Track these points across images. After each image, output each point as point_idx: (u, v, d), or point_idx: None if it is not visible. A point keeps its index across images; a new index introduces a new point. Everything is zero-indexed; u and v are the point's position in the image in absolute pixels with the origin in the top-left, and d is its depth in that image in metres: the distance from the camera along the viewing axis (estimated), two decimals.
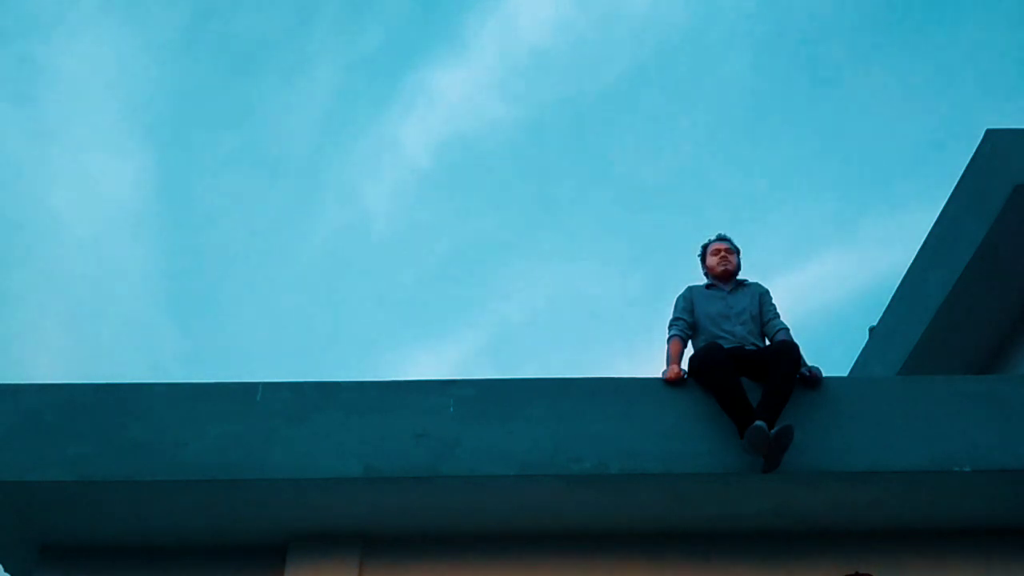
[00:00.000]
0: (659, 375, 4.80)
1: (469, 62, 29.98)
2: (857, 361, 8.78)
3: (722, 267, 5.21)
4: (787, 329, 5.01)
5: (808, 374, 4.67)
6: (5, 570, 5.13)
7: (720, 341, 4.86)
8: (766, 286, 5.25)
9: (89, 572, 4.82)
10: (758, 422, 4.23)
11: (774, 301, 5.19)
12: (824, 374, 4.76)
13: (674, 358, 4.86)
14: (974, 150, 6.40)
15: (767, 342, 5.02)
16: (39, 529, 4.76)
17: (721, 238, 5.33)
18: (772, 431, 4.22)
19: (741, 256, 5.30)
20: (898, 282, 7.69)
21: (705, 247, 5.35)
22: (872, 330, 8.55)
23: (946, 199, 6.80)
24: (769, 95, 29.40)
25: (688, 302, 5.12)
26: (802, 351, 4.75)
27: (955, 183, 6.65)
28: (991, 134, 6.27)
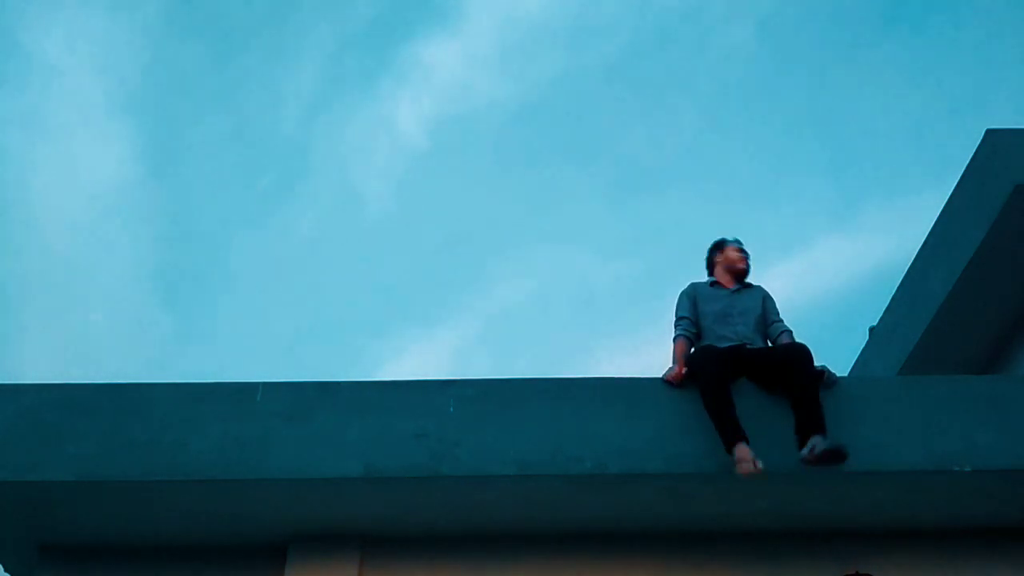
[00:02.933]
0: (659, 375, 4.79)
1: (464, 37, 29.45)
2: (857, 361, 8.80)
3: (743, 265, 5.22)
4: (791, 332, 5.01)
5: (823, 374, 4.66)
6: (5, 570, 5.13)
7: (722, 340, 4.85)
8: (767, 289, 5.25)
9: (89, 572, 4.83)
10: (746, 449, 4.24)
11: (777, 305, 5.20)
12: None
13: (680, 358, 4.86)
14: (975, 148, 6.40)
15: (769, 344, 5.02)
16: (39, 529, 4.76)
17: (739, 242, 5.34)
18: (825, 446, 4.20)
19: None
20: (897, 271, 7.71)
21: (723, 242, 5.32)
22: (872, 330, 8.56)
23: (946, 196, 6.81)
24: (770, 73, 29.14)
25: (691, 300, 5.10)
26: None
27: (956, 178, 6.66)
28: (991, 134, 6.28)
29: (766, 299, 5.16)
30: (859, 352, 8.83)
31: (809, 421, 4.33)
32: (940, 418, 4.59)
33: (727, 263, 5.24)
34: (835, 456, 4.22)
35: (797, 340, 4.92)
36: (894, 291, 7.92)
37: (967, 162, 6.53)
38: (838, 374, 4.78)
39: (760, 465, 4.19)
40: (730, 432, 4.34)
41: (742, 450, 4.25)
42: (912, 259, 7.47)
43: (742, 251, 5.27)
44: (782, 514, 4.69)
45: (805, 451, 4.24)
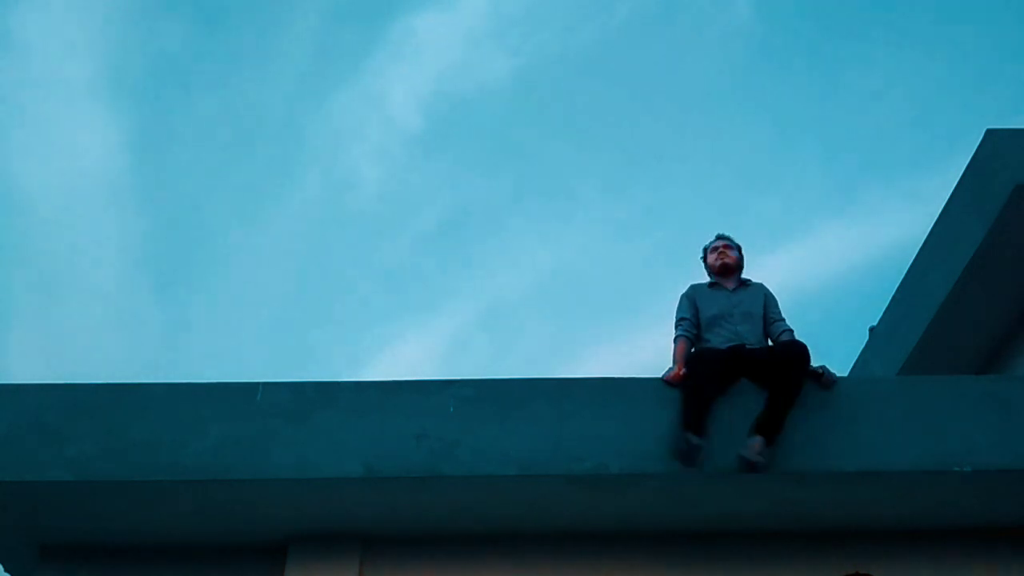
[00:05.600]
0: (659, 375, 4.79)
1: (459, 10, 28.74)
2: (857, 361, 8.80)
3: (720, 261, 5.20)
4: (792, 331, 5.01)
5: (822, 374, 4.67)
6: (5, 570, 5.13)
7: (722, 341, 4.86)
8: (769, 286, 5.24)
9: (89, 572, 4.83)
10: (692, 437, 4.34)
11: (779, 303, 5.20)
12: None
13: (680, 358, 4.86)
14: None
15: (770, 343, 5.02)
16: (39, 529, 4.76)
17: (720, 237, 5.33)
18: (745, 454, 4.32)
19: (742, 253, 5.29)
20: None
21: (705, 249, 5.35)
22: (872, 330, 8.56)
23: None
24: (770, 52, 28.71)
25: (691, 301, 5.11)
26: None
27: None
28: (991, 134, 6.28)
29: (767, 297, 5.16)
30: (859, 352, 8.84)
31: (764, 421, 4.41)
32: (940, 418, 4.59)
33: (711, 269, 5.26)
34: (748, 467, 4.33)
35: (798, 340, 4.93)
36: (894, 290, 7.93)
37: (968, 154, 6.53)
38: (838, 374, 4.78)
39: (697, 451, 4.31)
40: (692, 420, 4.42)
41: (690, 439, 4.34)
42: (912, 258, 7.48)
43: (722, 248, 5.24)
44: (782, 514, 4.69)
45: (742, 449, 4.35)
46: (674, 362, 4.85)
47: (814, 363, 4.69)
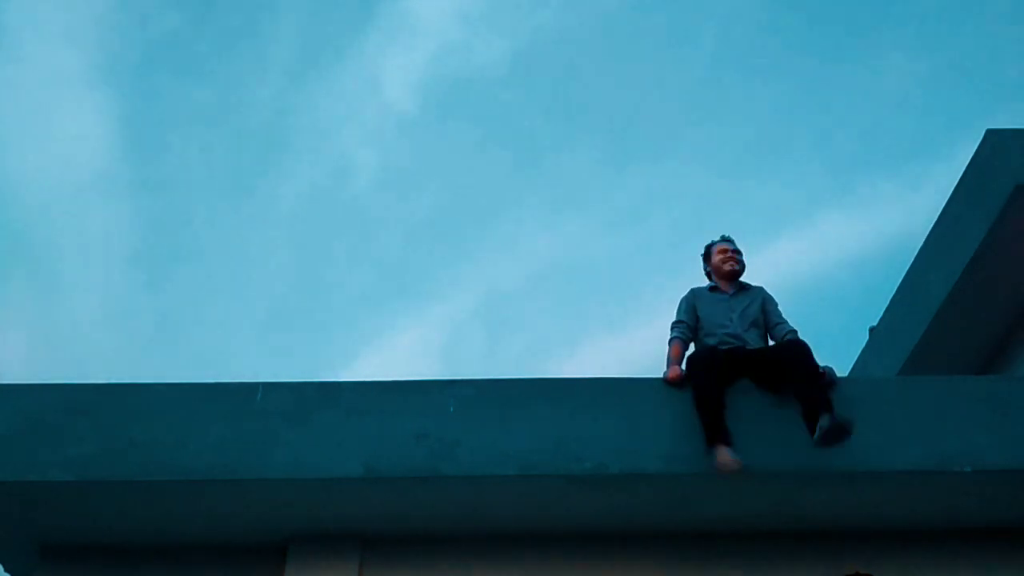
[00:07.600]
0: (659, 375, 4.81)
1: None
2: (857, 361, 8.80)
3: (729, 266, 5.21)
4: (795, 331, 5.02)
5: (824, 374, 4.67)
6: (5, 570, 5.13)
7: (723, 344, 4.86)
8: (768, 279, 5.27)
9: (89, 572, 4.83)
10: (730, 452, 4.29)
11: (778, 305, 5.20)
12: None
13: (674, 360, 4.87)
14: (976, 137, 6.41)
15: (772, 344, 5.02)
16: (39, 529, 4.76)
17: (726, 239, 5.34)
18: (827, 424, 4.23)
19: (743, 259, 5.30)
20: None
21: (709, 247, 5.35)
22: (872, 330, 8.56)
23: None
24: (773, 34, 28.44)
25: (690, 305, 5.13)
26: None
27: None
28: (991, 134, 6.29)
29: (766, 301, 5.17)
30: (859, 352, 8.84)
31: (815, 404, 4.35)
32: (940, 418, 4.59)
33: (716, 270, 5.25)
34: (840, 431, 4.24)
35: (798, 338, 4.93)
36: (894, 290, 7.93)
37: (968, 144, 6.55)
38: (838, 374, 4.78)
39: (737, 465, 4.26)
40: (713, 431, 4.39)
41: (722, 453, 4.31)
42: (912, 254, 7.49)
43: (729, 250, 5.26)
44: (782, 514, 4.69)
45: (816, 435, 4.27)
46: (668, 364, 4.87)
47: (817, 361, 4.70)
